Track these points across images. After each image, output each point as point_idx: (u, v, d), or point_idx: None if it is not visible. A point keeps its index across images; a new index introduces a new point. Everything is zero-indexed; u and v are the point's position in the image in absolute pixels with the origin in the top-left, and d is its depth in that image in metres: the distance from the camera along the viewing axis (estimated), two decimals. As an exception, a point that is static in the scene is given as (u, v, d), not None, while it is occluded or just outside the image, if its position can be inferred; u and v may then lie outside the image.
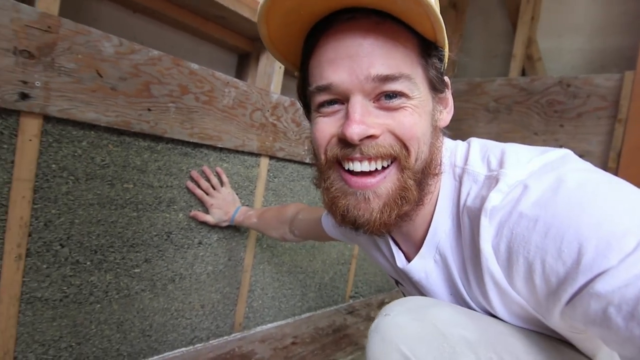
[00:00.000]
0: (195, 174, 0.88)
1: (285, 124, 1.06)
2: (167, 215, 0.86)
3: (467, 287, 0.45)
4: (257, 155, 1.03)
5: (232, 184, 0.98)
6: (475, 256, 0.41)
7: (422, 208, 0.46)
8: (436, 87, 0.44)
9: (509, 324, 0.44)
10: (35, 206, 0.66)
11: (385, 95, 0.41)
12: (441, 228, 0.46)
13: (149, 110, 0.77)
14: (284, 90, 1.15)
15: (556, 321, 0.38)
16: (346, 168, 0.43)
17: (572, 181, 0.36)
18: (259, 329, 1.11)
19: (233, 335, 1.04)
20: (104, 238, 0.76)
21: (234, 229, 1.00)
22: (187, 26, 0.98)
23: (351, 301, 1.47)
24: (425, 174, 0.44)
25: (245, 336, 1.04)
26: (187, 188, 0.88)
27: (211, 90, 0.87)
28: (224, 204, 0.92)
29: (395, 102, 0.41)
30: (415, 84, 0.41)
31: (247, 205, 1.02)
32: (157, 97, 0.77)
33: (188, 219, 0.89)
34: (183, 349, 0.93)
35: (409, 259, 0.52)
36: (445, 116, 0.47)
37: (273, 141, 1.04)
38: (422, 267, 0.49)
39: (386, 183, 0.42)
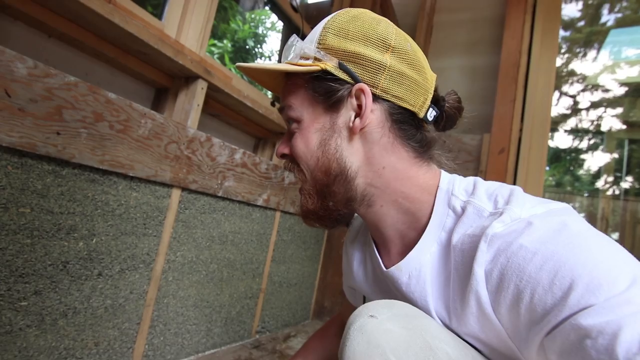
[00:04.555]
0: None
1: (200, 157, 1.11)
2: (66, 243, 0.82)
3: (442, 308, 0.47)
4: (169, 186, 1.04)
5: (141, 214, 0.97)
6: (463, 279, 0.44)
7: (383, 209, 0.52)
8: (328, 106, 0.51)
9: (480, 352, 0.46)
10: None
11: (288, 121, 0.55)
12: (427, 250, 0.49)
13: (58, 134, 0.76)
14: (201, 127, 1.20)
15: (532, 355, 0.39)
16: None
17: (574, 227, 0.39)
18: (158, 367, 1.05)
19: (129, 375, 0.97)
20: (-12, 266, 0.69)
21: (140, 260, 0.98)
22: (104, 56, 0.99)
23: (257, 336, 1.47)
24: (318, 177, 0.51)
25: (144, 375, 0.98)
26: None
27: (127, 120, 0.88)
28: None
29: (292, 126, 0.54)
30: (299, 110, 0.53)
31: (154, 237, 1.01)
32: (68, 122, 0.77)
33: (89, 247, 0.86)
34: (69, 393, 0.85)
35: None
36: (360, 122, 0.50)
37: (187, 173, 1.07)
38: (397, 277, 0.52)
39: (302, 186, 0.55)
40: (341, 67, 0.49)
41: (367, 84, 0.49)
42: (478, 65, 2.19)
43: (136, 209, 0.96)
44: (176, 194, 1.07)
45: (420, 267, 0.49)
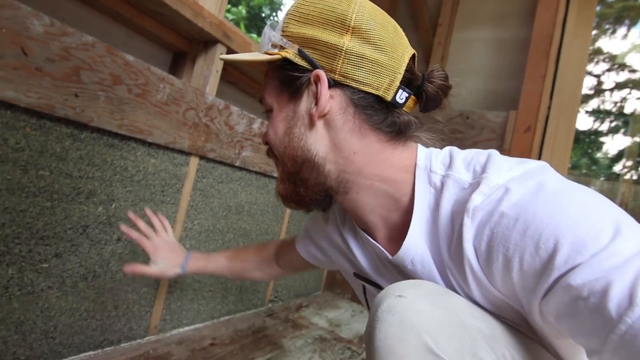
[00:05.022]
0: (132, 214, 0.80)
1: (219, 125, 1.08)
2: (85, 207, 0.81)
3: (449, 286, 0.47)
4: (188, 154, 1.03)
5: (159, 181, 0.96)
6: (458, 258, 0.43)
7: (361, 195, 0.50)
8: (291, 94, 0.50)
9: (507, 324, 0.44)
10: None
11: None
12: (420, 232, 0.48)
13: (76, 96, 0.73)
14: (219, 94, 1.17)
15: (538, 320, 0.39)
16: None
17: (551, 186, 0.38)
18: (175, 331, 1.08)
19: (147, 338, 1.00)
20: (10, 228, 0.69)
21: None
22: (121, 16, 0.95)
23: (270, 305, 1.49)
24: (287, 163, 0.52)
25: (161, 339, 1.01)
26: (122, 232, 0.78)
27: (145, 84, 0.86)
28: (168, 249, 0.81)
29: (268, 115, 0.54)
30: (269, 100, 0.53)
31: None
32: (86, 84, 0.75)
33: (108, 213, 0.86)
34: (90, 352, 0.87)
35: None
36: (317, 109, 0.48)
37: (205, 141, 1.05)
38: (402, 264, 0.51)
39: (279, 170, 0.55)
40: (300, 54, 0.48)
41: (325, 69, 0.47)
42: (506, 38, 2.07)
43: (154, 175, 0.95)
44: (194, 162, 1.05)
45: (421, 252, 0.48)
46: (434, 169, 0.48)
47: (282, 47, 0.49)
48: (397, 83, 0.47)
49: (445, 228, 0.45)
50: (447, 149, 0.51)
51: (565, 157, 1.75)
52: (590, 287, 0.31)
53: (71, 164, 0.77)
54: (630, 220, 0.36)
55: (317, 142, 0.49)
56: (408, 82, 0.48)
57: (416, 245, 0.48)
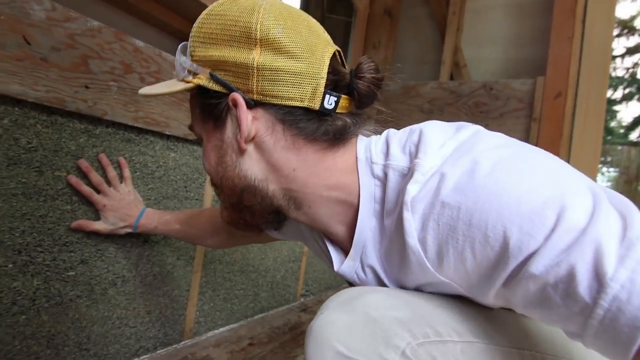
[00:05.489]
0: (85, 163, 0.69)
1: (237, 113, 1.02)
2: (107, 209, 0.76)
3: (394, 281, 0.48)
4: (207, 145, 0.97)
5: (181, 176, 0.90)
6: (402, 252, 0.42)
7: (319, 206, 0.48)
8: (215, 122, 0.47)
9: (442, 296, 0.45)
10: (-60, 196, 0.54)
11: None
12: (366, 227, 0.47)
13: (87, 87, 0.67)
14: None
15: (490, 300, 0.39)
16: None
17: (486, 162, 0.37)
18: (211, 333, 1.03)
19: (183, 342, 0.95)
20: (31, 235, 0.64)
21: (183, 225, 0.92)
22: (125, 3, 0.89)
23: (302, 299, 1.44)
24: (227, 194, 0.49)
25: (198, 342, 0.96)
26: (69, 183, 0.68)
27: (158, 71, 0.79)
28: (121, 205, 0.73)
29: (202, 144, 0.50)
30: (197, 129, 0.50)
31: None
32: (96, 74, 0.68)
33: (131, 214, 0.80)
34: (126, 362, 0.82)
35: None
36: (241, 135, 0.45)
37: (224, 131, 0.98)
38: (352, 269, 0.50)
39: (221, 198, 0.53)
40: (213, 78, 0.44)
41: (242, 90, 0.44)
42: (523, 3, 1.95)
43: (175, 170, 0.89)
44: (214, 154, 0.99)
45: (365, 247, 0.47)
46: (375, 160, 0.46)
47: (195, 74, 0.46)
48: (322, 89, 0.43)
49: (389, 223, 0.44)
50: (384, 134, 0.49)
51: (600, 123, 1.65)
52: (555, 274, 0.31)
53: (88, 162, 0.71)
54: (571, 176, 0.35)
55: (253, 167, 0.47)
56: (334, 84, 0.45)
57: (362, 242, 0.47)
